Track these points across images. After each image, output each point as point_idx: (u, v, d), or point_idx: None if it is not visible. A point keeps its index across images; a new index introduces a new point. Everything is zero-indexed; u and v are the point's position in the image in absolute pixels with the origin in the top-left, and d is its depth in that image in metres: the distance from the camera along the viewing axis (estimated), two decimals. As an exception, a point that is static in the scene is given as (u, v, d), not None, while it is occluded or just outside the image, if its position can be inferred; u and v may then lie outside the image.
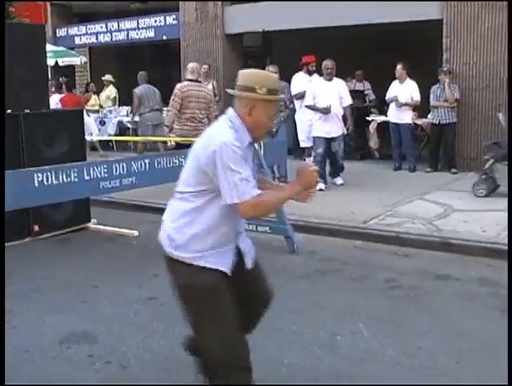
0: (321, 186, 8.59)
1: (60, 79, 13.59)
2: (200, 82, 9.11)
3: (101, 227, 7.56)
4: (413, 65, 10.64)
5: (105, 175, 5.05)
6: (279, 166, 9.59)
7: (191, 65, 8.93)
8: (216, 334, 2.87)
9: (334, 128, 9.03)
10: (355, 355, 3.92)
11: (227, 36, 13.42)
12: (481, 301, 4.87)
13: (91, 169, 4.93)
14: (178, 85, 8.71)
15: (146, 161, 5.51)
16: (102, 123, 14.20)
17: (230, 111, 2.90)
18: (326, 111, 8.88)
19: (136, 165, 5.27)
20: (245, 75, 2.93)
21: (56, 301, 4.98)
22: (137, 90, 11.99)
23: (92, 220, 7.67)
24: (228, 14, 13.24)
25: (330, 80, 9.06)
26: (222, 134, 2.78)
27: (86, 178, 4.88)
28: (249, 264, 3.03)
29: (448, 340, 4.14)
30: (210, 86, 12.04)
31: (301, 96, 9.81)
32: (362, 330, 4.28)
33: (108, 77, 14.49)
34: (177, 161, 5.70)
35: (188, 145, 4.04)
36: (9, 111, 6.60)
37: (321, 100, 8.95)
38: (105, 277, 5.57)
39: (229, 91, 2.98)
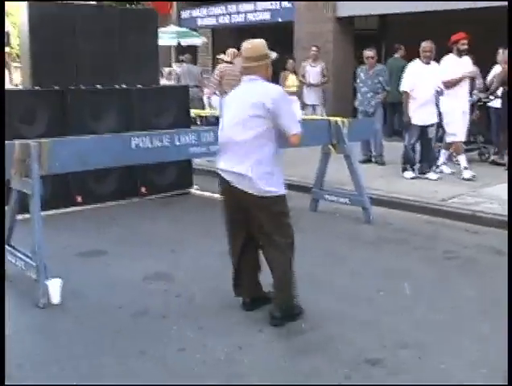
0: (410, 174, 8.73)
1: (181, 57, 14.61)
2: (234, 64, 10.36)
3: (202, 192, 8.40)
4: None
5: (194, 142, 5.78)
6: (376, 146, 10.02)
7: (228, 50, 10.68)
8: None
9: (431, 115, 8.67)
10: (388, 308, 4.42)
11: (338, 19, 13.83)
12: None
13: (181, 136, 5.68)
14: (218, 66, 10.68)
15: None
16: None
17: (255, 76, 4.05)
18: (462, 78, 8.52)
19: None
20: (256, 46, 4.10)
21: (148, 248, 5.83)
22: (176, 69, 14.79)
23: (194, 186, 8.52)
24: (340, -3, 13.64)
25: (428, 63, 8.57)
26: (275, 87, 4.10)
27: (177, 143, 5.63)
28: None
29: (483, 305, 4.50)
30: (319, 67, 12.62)
31: (452, 83, 8.54)
32: (405, 289, 4.75)
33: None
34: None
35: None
36: (123, 86, 7.56)
37: (418, 87, 8.51)
38: (193, 233, 6.38)
39: (251, 64, 4.07)
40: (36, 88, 7.00)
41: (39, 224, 4.51)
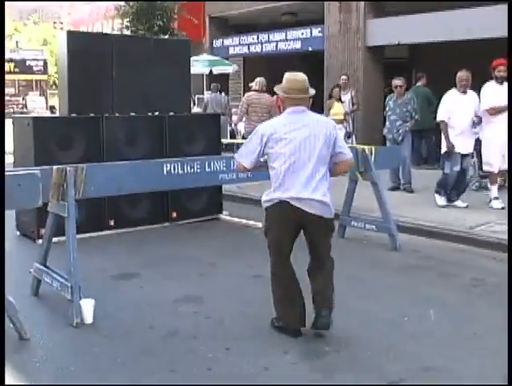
0: (443, 202, 8.71)
1: (213, 84, 14.93)
2: (263, 92, 11.01)
3: (231, 218, 8.56)
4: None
5: (224, 168, 5.95)
6: (404, 174, 10.10)
7: (256, 79, 11.12)
8: None
9: (469, 144, 8.71)
10: (412, 332, 4.49)
11: (368, 48, 14.03)
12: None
13: (212, 162, 5.86)
14: (245, 94, 11.37)
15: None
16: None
17: (303, 108, 4.34)
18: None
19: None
20: (305, 79, 4.39)
21: (179, 271, 5.99)
22: (204, 97, 15.45)
23: (224, 212, 8.69)
24: (369, 27, 13.85)
25: (464, 92, 8.54)
26: (327, 119, 4.83)
27: (207, 169, 5.82)
28: None
29: (505, 331, 4.53)
30: (348, 95, 12.79)
31: (495, 111, 8.41)
32: (431, 315, 4.81)
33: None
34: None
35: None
36: (156, 113, 7.81)
37: (455, 116, 8.49)
38: (223, 257, 6.53)
39: (303, 96, 4.37)
40: (73, 115, 7.27)
41: (73, 246, 4.69)
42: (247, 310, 4.90)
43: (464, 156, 8.64)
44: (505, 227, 7.45)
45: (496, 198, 8.65)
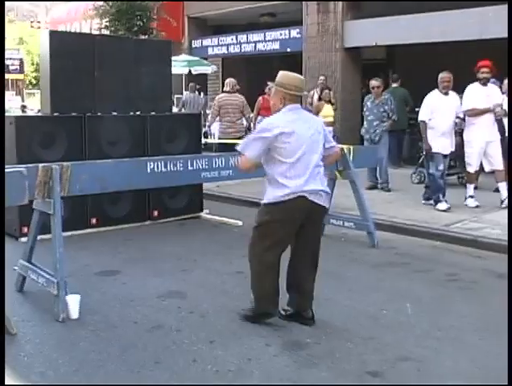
0: (445, 206, 8.55)
1: (190, 84, 15.05)
2: (233, 92, 11.33)
3: (212, 216, 8.67)
4: None
5: (206, 167, 6.07)
6: (381, 173, 10.29)
7: (227, 80, 11.53)
8: None
9: (450, 144, 8.76)
10: (390, 325, 4.65)
11: (346, 49, 14.23)
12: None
13: (194, 161, 5.97)
14: (216, 96, 11.63)
15: (243, 157, 6.49)
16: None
17: (298, 105, 4.56)
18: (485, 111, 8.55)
19: (233, 159, 6.23)
20: (302, 78, 4.67)
21: (160, 268, 6.10)
22: (183, 97, 15.39)
23: (204, 211, 8.80)
24: (347, 28, 14.05)
25: (446, 93, 8.60)
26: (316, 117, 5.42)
27: (190, 168, 5.93)
28: None
29: (482, 324, 4.71)
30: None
31: (474, 113, 8.65)
32: (408, 309, 4.97)
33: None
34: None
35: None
36: (138, 113, 7.89)
37: (437, 117, 8.56)
38: (204, 254, 6.64)
39: (301, 94, 4.63)
40: (55, 114, 7.32)
41: (59, 242, 4.77)
42: (229, 304, 5.01)
43: (445, 156, 8.76)
44: (479, 225, 7.68)
45: (471, 196, 8.86)
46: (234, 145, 4.91)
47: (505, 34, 8.38)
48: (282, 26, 15.74)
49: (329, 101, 12.26)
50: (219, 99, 11.30)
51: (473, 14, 11.73)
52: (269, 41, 16.04)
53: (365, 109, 10.46)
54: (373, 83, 10.26)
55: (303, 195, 4.35)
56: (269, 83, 11.28)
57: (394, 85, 12.83)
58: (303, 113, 4.60)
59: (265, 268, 4.50)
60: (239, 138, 10.83)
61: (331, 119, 11.93)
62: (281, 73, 4.57)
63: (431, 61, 12.09)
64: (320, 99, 12.45)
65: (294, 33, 15.36)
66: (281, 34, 15.72)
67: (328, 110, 12.05)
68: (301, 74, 14.31)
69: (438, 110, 8.56)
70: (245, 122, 11.60)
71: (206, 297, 5.24)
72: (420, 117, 8.77)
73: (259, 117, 12.15)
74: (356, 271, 6.11)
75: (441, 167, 8.65)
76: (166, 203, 8.24)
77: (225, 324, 4.62)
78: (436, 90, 8.72)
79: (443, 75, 8.62)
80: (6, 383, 3.43)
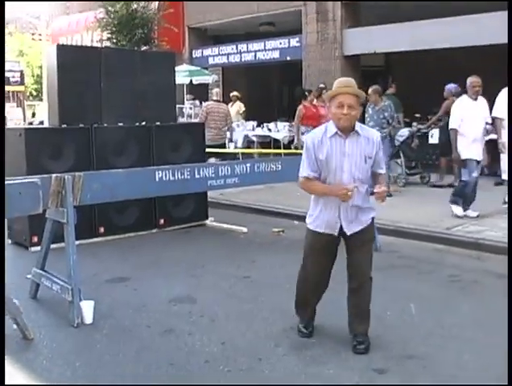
0: (460, 211, 8.46)
1: (187, 96, 15.25)
2: (220, 101, 12.28)
3: (217, 224, 8.83)
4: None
5: (212, 175, 6.24)
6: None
7: (214, 90, 12.61)
8: None
9: (481, 150, 8.45)
10: (395, 325, 4.80)
11: (345, 57, 14.40)
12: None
13: (201, 169, 6.14)
14: (204, 104, 12.38)
15: (248, 165, 6.65)
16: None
17: None
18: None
19: (239, 168, 6.41)
20: None
21: (169, 274, 6.26)
22: (185, 107, 16.09)
23: (209, 218, 8.95)
24: (346, 37, 14.24)
25: (476, 99, 8.29)
26: None
27: (197, 176, 6.10)
28: None
29: (484, 321, 4.86)
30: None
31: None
32: (411, 309, 5.12)
33: (235, 93, 15.94)
34: (274, 166, 6.80)
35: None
36: (143, 123, 8.07)
37: (468, 123, 8.24)
38: (212, 260, 6.80)
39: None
40: (63, 126, 7.49)
41: (73, 250, 4.92)
42: (239, 307, 5.17)
43: (477, 162, 8.44)
44: (479, 228, 7.83)
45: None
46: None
47: (505, 40, 8.47)
48: (282, 35, 15.92)
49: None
50: (207, 106, 11.86)
51: (473, 21, 11.91)
52: (269, 50, 16.22)
53: (366, 116, 10.62)
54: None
55: None
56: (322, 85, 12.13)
57: (388, 92, 13.08)
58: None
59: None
60: (223, 144, 12.08)
61: None
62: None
63: (430, 68, 12.28)
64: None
65: (293, 42, 15.54)
66: (281, 43, 15.90)
67: None
68: (301, 82, 14.83)
69: (468, 116, 8.27)
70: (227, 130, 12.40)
71: (216, 301, 5.39)
72: (451, 125, 8.42)
73: (302, 127, 11.70)
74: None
75: (475, 174, 8.36)
76: (172, 211, 8.40)
77: (234, 327, 4.78)
78: (465, 96, 8.46)
79: (473, 80, 8.28)
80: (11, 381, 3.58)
